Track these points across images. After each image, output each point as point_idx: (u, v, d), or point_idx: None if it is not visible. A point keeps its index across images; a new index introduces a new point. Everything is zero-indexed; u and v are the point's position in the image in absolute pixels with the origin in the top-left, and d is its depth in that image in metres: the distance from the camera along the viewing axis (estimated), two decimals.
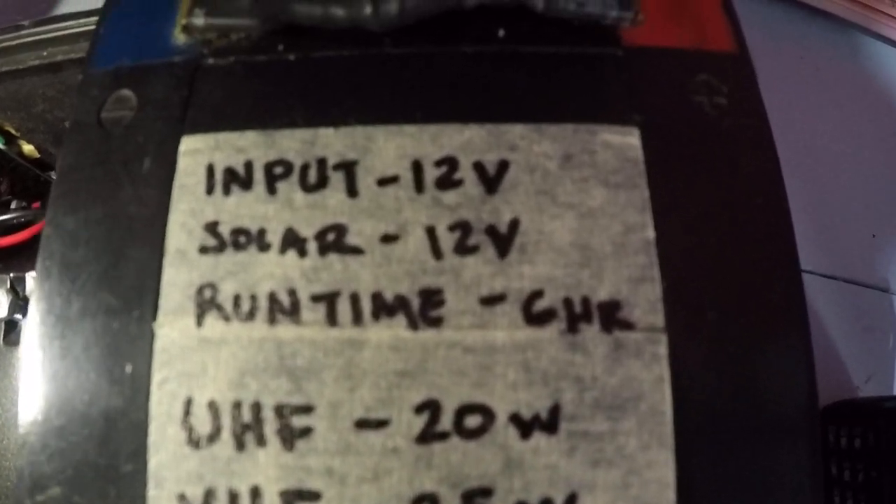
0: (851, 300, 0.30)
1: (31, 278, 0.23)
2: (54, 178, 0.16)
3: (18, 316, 0.23)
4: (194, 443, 0.14)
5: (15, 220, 0.25)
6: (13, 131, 0.24)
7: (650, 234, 0.14)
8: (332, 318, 0.13)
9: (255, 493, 0.13)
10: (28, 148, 0.25)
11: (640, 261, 0.14)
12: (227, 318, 0.14)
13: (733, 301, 0.14)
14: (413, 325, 0.13)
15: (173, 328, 0.14)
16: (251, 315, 0.14)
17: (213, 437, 0.14)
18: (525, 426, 0.13)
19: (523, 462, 0.13)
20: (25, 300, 0.23)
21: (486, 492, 0.13)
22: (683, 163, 0.15)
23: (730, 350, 0.14)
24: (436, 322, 0.13)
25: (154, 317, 0.14)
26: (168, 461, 0.14)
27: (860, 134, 0.38)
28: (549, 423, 0.13)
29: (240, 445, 0.13)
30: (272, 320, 0.14)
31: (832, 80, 0.39)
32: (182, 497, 0.14)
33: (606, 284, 0.14)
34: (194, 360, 0.14)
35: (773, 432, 0.14)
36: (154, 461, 0.14)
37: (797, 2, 0.40)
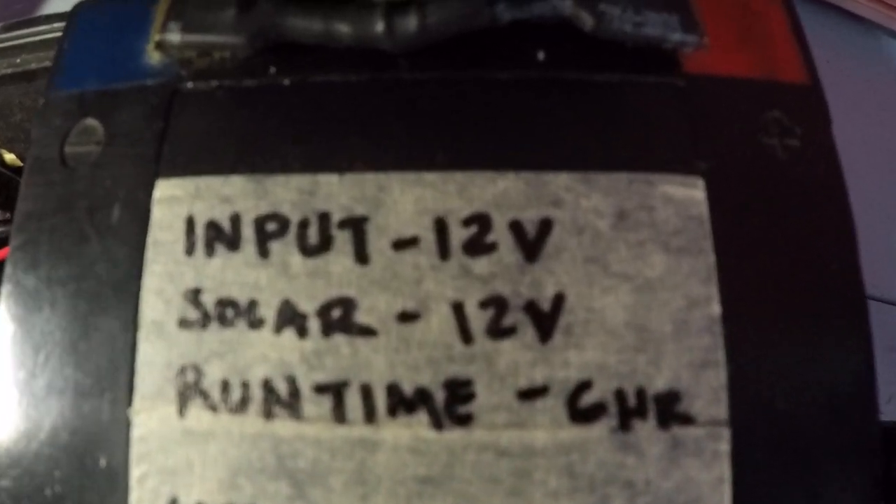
0: (875, 318, 0.28)
1: None
2: (13, 224, 0.14)
3: None
4: None
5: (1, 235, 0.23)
6: None
7: (716, 309, 0.12)
8: (339, 414, 0.11)
9: None
10: (10, 157, 0.23)
11: (703, 342, 0.12)
12: (214, 408, 0.12)
13: (805, 389, 0.12)
14: (437, 423, 0.11)
15: (152, 416, 0.12)
16: (243, 406, 0.12)
17: None
18: None
19: None
20: None
21: None
22: (753, 221, 0.12)
23: (798, 446, 0.12)
24: (464, 420, 0.11)
25: (129, 401, 0.12)
26: None
27: (886, 141, 0.35)
28: None
29: None
30: (268, 413, 0.12)
31: (857, 80, 0.36)
32: None
33: (665, 372, 0.11)
34: (178, 455, 0.12)
35: None
36: None
37: None
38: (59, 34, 0.20)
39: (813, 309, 0.12)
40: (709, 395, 0.12)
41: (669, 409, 0.11)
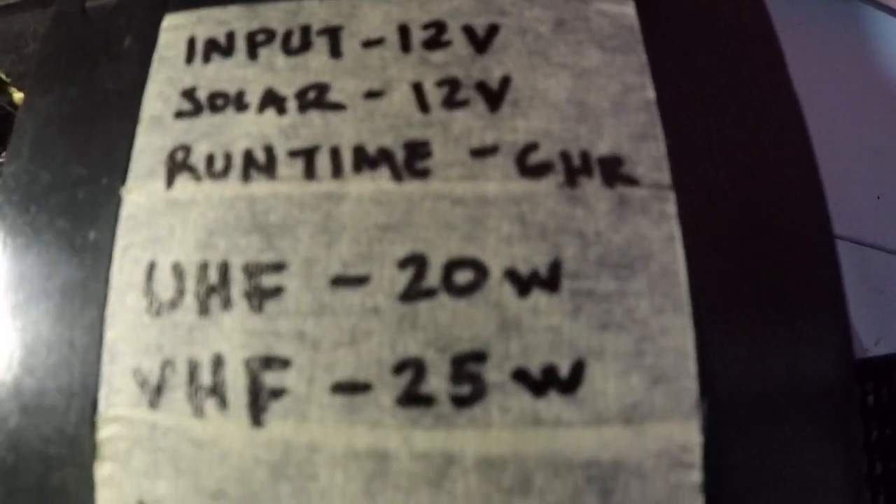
0: (858, 262, 0.29)
1: None
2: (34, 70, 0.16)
3: None
4: (154, 311, 0.12)
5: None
6: (4, 77, 0.24)
7: (650, 94, 0.13)
8: (310, 172, 0.12)
9: (218, 361, 0.12)
10: (19, 96, 0.25)
11: (641, 119, 0.13)
12: (198, 178, 0.13)
13: (744, 159, 0.13)
14: (397, 176, 0.12)
15: (141, 193, 0.13)
16: (224, 173, 0.13)
17: (175, 302, 0.12)
18: (522, 283, 0.12)
19: (521, 323, 0.12)
20: None
21: (480, 356, 0.11)
22: (682, 33, 0.14)
23: (744, 208, 0.13)
24: (422, 173, 0.12)
25: (123, 183, 0.13)
26: (125, 333, 0.12)
27: (862, 100, 0.37)
28: (550, 280, 0.12)
29: (203, 310, 0.12)
30: (246, 177, 0.13)
31: (830, 48, 0.39)
32: (137, 371, 0.12)
33: (606, 140, 0.13)
34: (161, 224, 0.13)
35: (800, 299, 0.12)
36: (110, 334, 0.12)
37: None
38: None
39: (744, 94, 0.13)
40: (650, 163, 0.13)
41: (613, 171, 0.12)
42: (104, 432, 0.12)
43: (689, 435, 0.11)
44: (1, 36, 0.22)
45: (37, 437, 0.12)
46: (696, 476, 0.11)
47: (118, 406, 0.12)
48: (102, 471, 0.12)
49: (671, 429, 0.11)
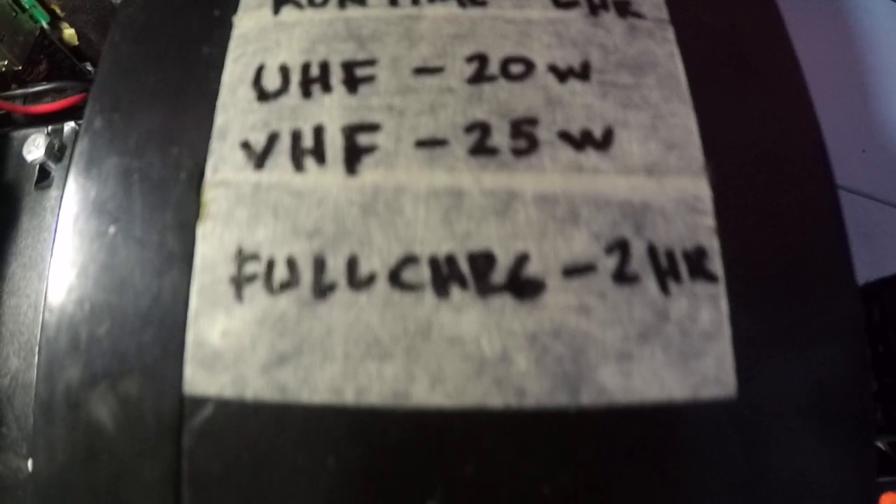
0: (848, 209, 0.33)
1: (68, 127, 0.24)
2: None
3: (51, 164, 0.24)
4: (262, 97, 0.15)
5: (50, 93, 0.26)
6: (58, 10, 0.26)
7: None
8: (393, 1, 0.16)
9: (318, 131, 0.14)
10: (69, 32, 0.27)
11: None
12: (301, 7, 0.16)
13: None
14: (462, 4, 0.16)
15: (251, 19, 0.16)
16: (323, 3, 0.16)
17: (281, 91, 0.15)
18: (561, 74, 0.15)
19: (562, 100, 0.15)
20: (62, 149, 0.24)
21: (532, 121, 0.14)
22: None
23: (732, 47, 0.16)
24: (482, 4, 0.16)
25: (234, 13, 0.16)
26: (234, 116, 0.15)
27: (847, 64, 0.42)
28: (582, 73, 0.15)
29: (306, 94, 0.15)
30: (342, 5, 0.16)
31: (812, 9, 0.44)
32: (245, 144, 0.14)
33: None
34: (269, 38, 0.15)
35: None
36: (220, 119, 0.15)
37: None
38: None
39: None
40: (653, 5, 0.16)
41: (624, 8, 0.16)
42: (209, 194, 0.14)
43: (699, 188, 0.14)
44: None
45: (143, 202, 0.14)
46: (709, 220, 0.14)
47: (224, 172, 0.14)
48: (204, 228, 0.14)
49: (685, 182, 0.14)
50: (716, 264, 0.14)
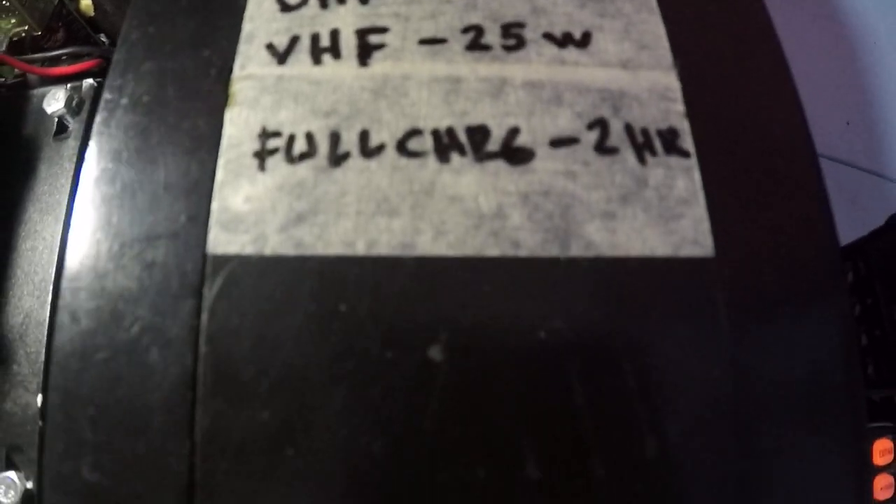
0: (835, 179, 0.35)
1: (86, 84, 0.26)
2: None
3: (69, 118, 0.25)
4: (285, 8, 0.17)
5: (65, 57, 0.28)
6: None
7: None
8: None
9: (335, 34, 0.16)
10: (85, 3, 0.29)
11: None
12: None
13: None
14: None
15: None
16: None
17: (302, 2, 0.17)
18: None
19: (546, 8, 0.17)
20: (80, 104, 0.26)
21: (520, 24, 0.16)
22: None
23: None
24: None
25: None
26: (260, 24, 0.17)
27: (831, 42, 0.45)
28: None
29: (324, 5, 0.17)
30: None
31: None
32: (269, 45, 0.16)
33: None
34: None
35: None
36: (247, 27, 0.17)
37: None
38: None
39: None
40: None
41: None
42: (236, 86, 0.16)
43: (670, 80, 0.16)
44: None
45: (175, 95, 0.16)
46: (679, 106, 0.16)
47: (251, 68, 0.16)
48: (231, 113, 0.15)
49: (657, 75, 0.16)
50: (687, 143, 0.16)
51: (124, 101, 0.16)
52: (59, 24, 0.28)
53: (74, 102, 0.25)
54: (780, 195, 0.16)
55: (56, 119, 0.25)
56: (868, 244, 0.28)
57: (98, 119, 0.16)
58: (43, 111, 0.25)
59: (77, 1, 0.30)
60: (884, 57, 0.45)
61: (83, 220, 0.15)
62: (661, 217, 0.15)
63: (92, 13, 0.30)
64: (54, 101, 0.25)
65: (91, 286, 0.15)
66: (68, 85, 0.26)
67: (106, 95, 0.17)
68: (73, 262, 0.15)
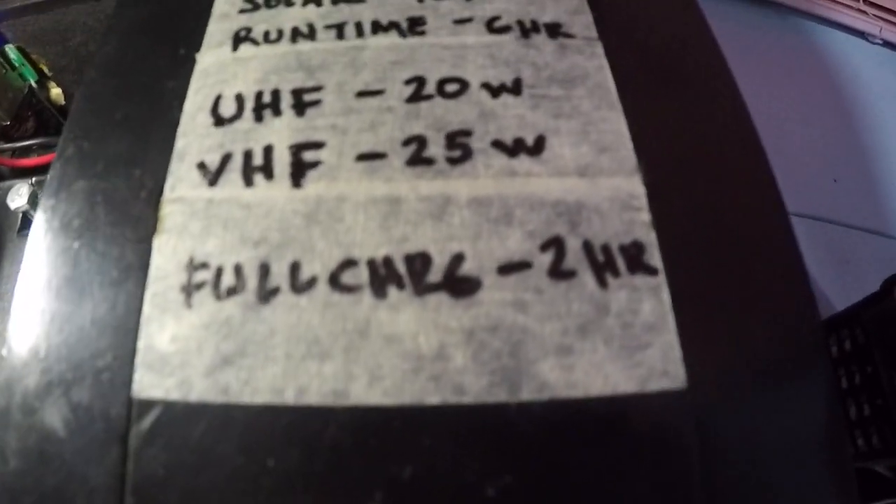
0: (825, 239, 0.33)
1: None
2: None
3: (33, 213, 0.25)
4: (219, 122, 0.16)
5: (35, 147, 0.27)
6: (46, 70, 0.28)
7: None
8: (340, 35, 0.17)
9: (268, 150, 0.15)
10: (55, 92, 0.29)
11: (574, 2, 0.18)
12: (257, 44, 0.17)
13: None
14: (402, 35, 0.17)
15: (212, 56, 0.17)
16: (277, 40, 0.17)
17: (236, 116, 0.16)
18: (494, 90, 0.16)
19: (495, 112, 0.15)
20: None
21: (466, 132, 0.15)
22: None
23: (658, 57, 0.17)
24: (421, 34, 0.17)
25: (197, 51, 0.17)
26: (193, 140, 0.16)
27: (812, 102, 0.44)
28: (514, 88, 0.16)
29: (258, 118, 0.16)
30: (293, 40, 0.17)
31: (780, 58, 0.46)
32: (201, 165, 0.15)
33: (549, 13, 0.18)
34: (227, 72, 0.17)
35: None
36: (180, 143, 0.16)
37: None
38: None
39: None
40: (582, 26, 0.18)
41: (555, 30, 0.18)
42: (166, 209, 0.15)
43: (634, 186, 0.15)
44: (54, 27, 0.26)
45: (105, 220, 0.15)
46: (645, 216, 0.14)
47: (181, 189, 0.15)
48: (159, 241, 0.14)
49: (619, 182, 0.15)
50: (654, 258, 0.14)
51: (55, 223, 0.16)
52: (30, 113, 0.28)
53: (38, 197, 0.25)
54: (759, 307, 0.14)
55: (21, 214, 0.25)
56: (864, 310, 0.26)
57: (30, 241, 0.16)
58: (6, 206, 0.25)
59: (47, 90, 0.30)
60: (867, 112, 0.43)
61: (16, 352, 0.15)
62: (625, 348, 0.13)
63: (63, 102, 0.30)
64: (17, 197, 0.25)
65: (20, 424, 0.14)
66: (33, 179, 0.26)
67: (39, 216, 0.16)
68: (3, 397, 0.14)
